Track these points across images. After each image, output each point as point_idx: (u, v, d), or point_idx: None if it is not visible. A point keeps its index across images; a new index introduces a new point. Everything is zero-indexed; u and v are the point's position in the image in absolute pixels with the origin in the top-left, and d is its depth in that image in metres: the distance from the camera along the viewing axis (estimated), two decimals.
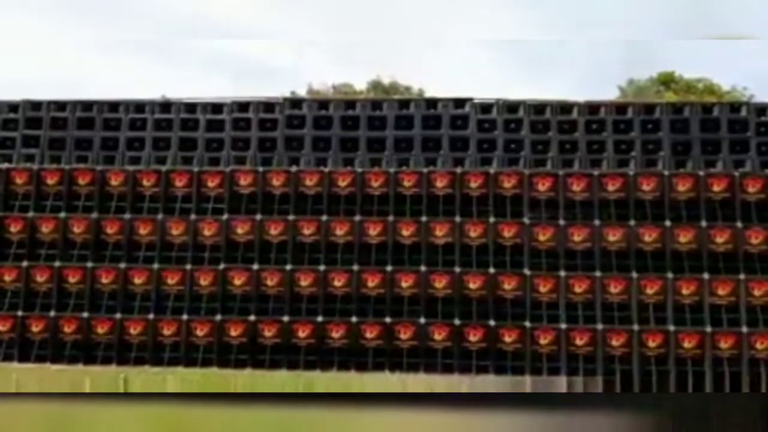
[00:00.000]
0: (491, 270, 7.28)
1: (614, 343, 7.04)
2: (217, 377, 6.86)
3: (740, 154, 8.01)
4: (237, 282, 7.39)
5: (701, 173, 7.50)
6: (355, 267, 7.35)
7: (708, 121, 8.19)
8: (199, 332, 7.28)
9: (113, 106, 8.62)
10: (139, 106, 8.63)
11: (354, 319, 7.22)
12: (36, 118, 8.58)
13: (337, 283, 7.33)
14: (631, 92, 20.82)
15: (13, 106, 8.64)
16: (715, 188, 7.38)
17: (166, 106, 8.65)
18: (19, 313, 7.38)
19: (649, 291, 7.14)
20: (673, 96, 18.59)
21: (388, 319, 7.21)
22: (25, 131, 8.53)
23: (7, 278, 7.51)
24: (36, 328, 7.35)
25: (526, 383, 6.79)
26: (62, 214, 7.66)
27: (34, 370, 6.96)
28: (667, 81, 20.85)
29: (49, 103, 8.63)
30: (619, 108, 8.47)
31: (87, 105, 8.63)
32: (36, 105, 8.63)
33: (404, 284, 7.30)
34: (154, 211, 7.66)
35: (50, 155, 8.43)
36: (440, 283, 7.28)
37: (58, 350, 7.29)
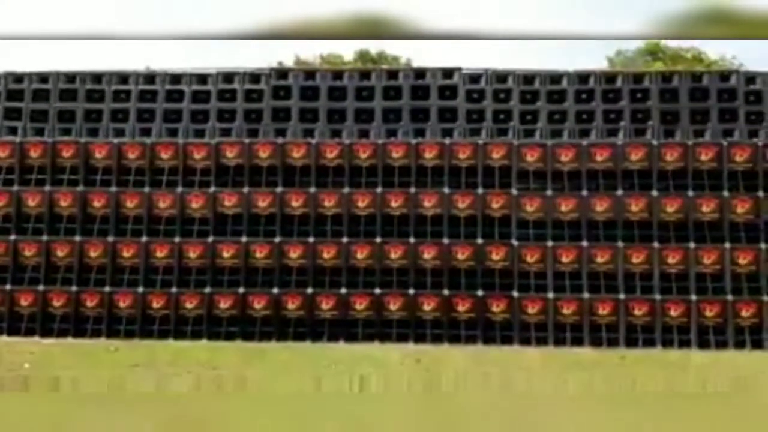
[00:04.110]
0: (479, 241, 7.30)
1: (601, 311, 7.11)
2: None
3: (729, 123, 8.03)
4: (226, 254, 7.38)
5: (690, 143, 7.52)
6: (345, 239, 7.36)
7: (697, 90, 8.18)
8: (189, 305, 7.28)
9: (96, 77, 8.49)
10: (123, 76, 8.50)
11: (343, 290, 7.25)
12: (18, 90, 8.43)
13: (326, 255, 7.33)
14: (619, 63, 20.73)
15: None
16: (703, 157, 7.40)
17: (150, 77, 8.53)
18: (8, 287, 7.35)
19: (636, 260, 7.19)
20: (662, 66, 18.53)
21: (377, 291, 7.23)
22: (7, 103, 8.39)
23: None
24: (25, 302, 7.32)
25: None
26: (47, 188, 7.58)
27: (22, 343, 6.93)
28: (654, 51, 20.74)
29: (31, 74, 8.48)
30: (609, 77, 8.44)
31: (70, 76, 8.49)
32: (18, 77, 8.48)
33: (393, 255, 7.31)
34: (140, 184, 7.60)
35: (33, 128, 8.31)
36: (429, 254, 7.30)
37: (47, 323, 7.29)
